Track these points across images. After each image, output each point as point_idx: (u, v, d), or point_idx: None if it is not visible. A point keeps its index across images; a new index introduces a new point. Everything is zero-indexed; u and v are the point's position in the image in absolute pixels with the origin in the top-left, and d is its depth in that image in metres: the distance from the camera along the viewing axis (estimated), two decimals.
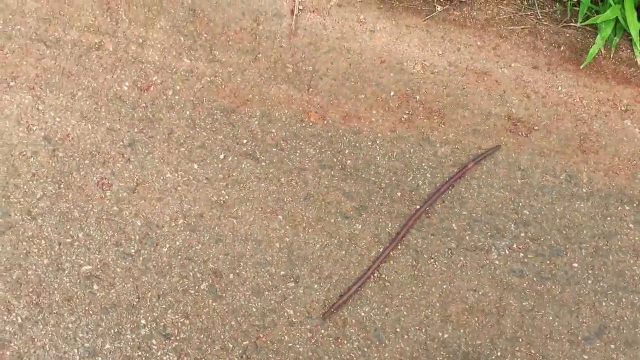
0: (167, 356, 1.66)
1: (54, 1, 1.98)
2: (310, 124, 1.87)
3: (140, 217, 1.79)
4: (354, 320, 1.66)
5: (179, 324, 1.69)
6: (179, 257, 1.75)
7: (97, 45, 1.95)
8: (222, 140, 1.86)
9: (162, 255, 1.75)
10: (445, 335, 1.64)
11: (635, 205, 1.72)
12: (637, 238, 1.69)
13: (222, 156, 1.84)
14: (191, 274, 1.73)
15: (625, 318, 1.62)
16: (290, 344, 1.65)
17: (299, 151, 1.84)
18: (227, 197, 1.80)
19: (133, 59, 1.94)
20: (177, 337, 1.67)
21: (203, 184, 1.82)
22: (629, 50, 1.88)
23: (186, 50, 1.94)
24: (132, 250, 1.75)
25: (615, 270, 1.66)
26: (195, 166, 1.84)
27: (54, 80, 1.92)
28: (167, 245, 1.76)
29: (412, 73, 1.89)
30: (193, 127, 1.87)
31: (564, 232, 1.71)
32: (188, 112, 1.89)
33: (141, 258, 1.75)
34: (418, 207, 1.76)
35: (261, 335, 1.67)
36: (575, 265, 1.67)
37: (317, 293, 1.69)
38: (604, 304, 1.64)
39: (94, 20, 1.98)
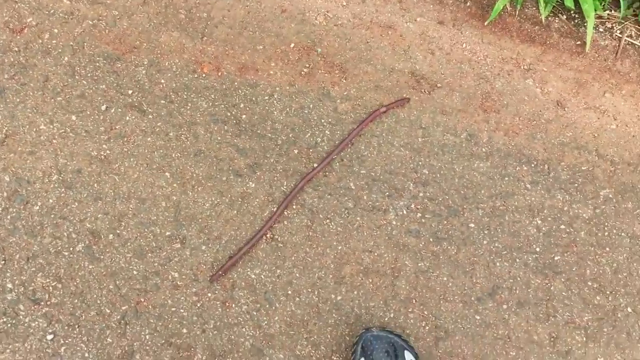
0: (36, 322, 1.52)
1: None
2: (204, 75, 1.75)
3: (8, 171, 1.62)
4: (243, 283, 1.58)
5: (50, 288, 1.55)
6: (52, 216, 1.61)
7: None
8: (104, 90, 1.71)
9: (33, 214, 1.60)
10: (339, 298, 1.59)
11: (533, 165, 1.71)
12: (533, 199, 1.68)
13: (104, 107, 1.70)
14: (65, 234, 1.59)
15: (519, 278, 1.62)
16: (173, 309, 1.56)
17: (190, 104, 1.72)
18: (108, 151, 1.67)
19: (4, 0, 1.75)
20: (48, 302, 1.54)
21: (82, 137, 1.67)
22: (534, 8, 1.86)
23: None
24: None
25: (511, 231, 1.66)
26: (74, 117, 1.69)
27: None
28: (39, 204, 1.61)
29: (314, 24, 1.80)
30: (72, 75, 1.71)
31: (462, 192, 1.68)
32: (66, 59, 1.72)
33: (9, 217, 1.59)
34: (315, 165, 1.68)
35: (142, 300, 1.56)
36: (472, 225, 1.65)
37: (205, 255, 1.60)
38: (498, 264, 1.63)
39: None
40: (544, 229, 1.66)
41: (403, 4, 1.82)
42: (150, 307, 1.56)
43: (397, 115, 1.74)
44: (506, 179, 1.70)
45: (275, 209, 1.64)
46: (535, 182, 1.70)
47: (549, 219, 1.67)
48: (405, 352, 1.46)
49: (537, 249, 1.65)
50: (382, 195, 1.67)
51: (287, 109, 1.74)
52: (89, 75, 1.72)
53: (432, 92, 1.77)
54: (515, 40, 1.83)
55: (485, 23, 1.81)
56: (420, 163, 1.71)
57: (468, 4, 1.84)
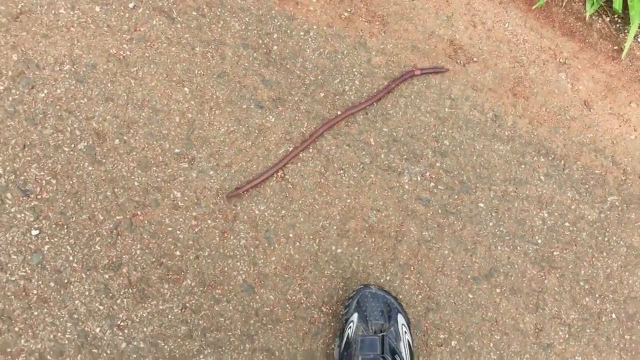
0: (23, 214, 1.44)
1: None
2: None
3: (18, 50, 1.52)
4: (245, 217, 1.54)
5: (44, 182, 1.47)
6: (58, 107, 1.51)
7: None
8: None
9: (37, 101, 1.50)
10: (339, 250, 1.57)
11: (550, 158, 1.72)
12: (544, 191, 1.70)
13: (131, 5, 1.60)
14: (69, 129, 1.51)
15: (516, 266, 1.64)
16: (170, 228, 1.50)
17: (222, 22, 1.64)
18: (128, 52, 1.58)
19: None
20: (38, 197, 1.46)
21: (103, 32, 1.57)
22: (580, 3, 1.86)
23: None
24: (0, 87, 1.49)
25: (518, 218, 1.67)
26: (97, 9, 1.59)
27: None
28: (46, 91, 1.52)
29: None
30: None
31: (477, 170, 1.68)
32: None
33: (10, 99, 1.49)
34: (339, 112, 1.64)
35: (139, 213, 1.50)
36: (481, 205, 1.66)
37: (212, 180, 1.55)
38: (499, 248, 1.65)
39: None
40: (549, 222, 1.68)
41: None
42: (146, 222, 1.50)
43: (429, 81, 1.72)
44: (522, 166, 1.71)
45: (291, 148, 1.60)
46: (549, 175, 1.72)
47: (556, 214, 1.69)
48: (399, 315, 1.46)
49: (539, 241, 1.67)
50: (399, 157, 1.65)
51: (321, 50, 1.68)
52: None
53: (466, 65, 1.75)
54: (556, 31, 1.82)
55: (533, 7, 1.79)
56: (442, 133, 1.69)
57: None
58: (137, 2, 1.60)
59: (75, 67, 1.54)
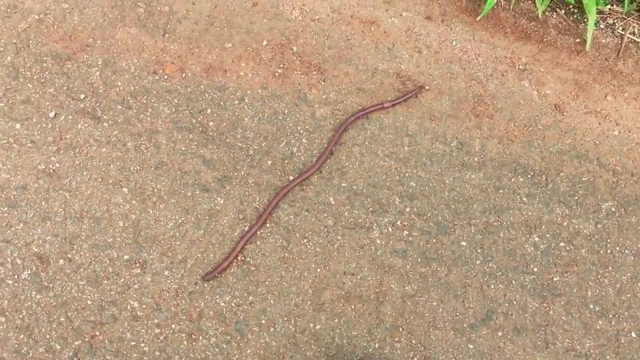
0: None
1: None
2: (165, 77, 1.59)
3: None
4: (211, 312, 1.44)
5: None
6: None
7: None
8: (53, 94, 1.54)
9: None
10: (318, 327, 1.46)
11: (529, 176, 1.59)
12: (529, 213, 1.56)
13: (52, 114, 1.53)
14: (9, 260, 1.44)
15: (515, 302, 1.51)
16: (133, 342, 1.41)
17: (150, 110, 1.56)
18: (58, 165, 1.50)
19: None
20: None
21: (27, 149, 1.51)
22: (529, 2, 1.73)
23: None
24: None
25: (506, 249, 1.54)
26: (18, 126, 1.52)
27: None
28: None
29: (289, 20, 1.64)
30: (16, 77, 1.54)
31: (452, 206, 1.56)
32: (9, 59, 1.55)
33: None
34: (291, 178, 1.54)
35: (97, 333, 1.41)
36: (464, 243, 1.53)
37: (169, 281, 1.46)
38: (492, 286, 1.51)
39: None
40: (541, 246, 1.55)
41: None
42: (106, 341, 1.41)
43: (381, 122, 1.60)
44: (500, 191, 1.58)
45: (247, 228, 1.50)
46: (532, 195, 1.58)
47: (547, 235, 1.55)
48: None
49: (535, 269, 1.53)
50: (365, 211, 1.54)
51: (260, 115, 1.59)
52: (35, 77, 1.54)
53: (419, 96, 1.63)
54: (509, 37, 1.69)
55: (478, 18, 1.67)
56: (407, 175, 1.57)
57: None
58: (57, 110, 1.53)
59: (5, 192, 1.47)
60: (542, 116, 1.64)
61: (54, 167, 1.50)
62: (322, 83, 1.62)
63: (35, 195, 1.48)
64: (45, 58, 1.56)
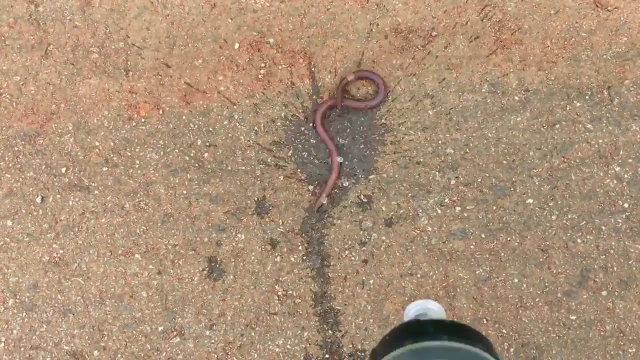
0: None
1: None
2: (142, 120, 1.41)
3: None
4: None
5: None
6: (22, 349, 1.34)
7: None
8: (34, 177, 1.41)
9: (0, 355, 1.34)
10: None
11: (587, 97, 1.31)
12: (600, 140, 1.29)
13: (39, 199, 1.40)
14: None
15: (612, 251, 1.25)
16: None
17: (138, 161, 1.40)
18: (61, 251, 1.37)
19: None
20: None
21: (26, 244, 1.39)
22: None
23: None
24: None
25: (584, 192, 1.27)
26: (9, 222, 1.40)
27: None
28: (3, 339, 1.35)
29: (255, 10, 1.42)
30: None
31: (504, 162, 1.30)
32: None
33: None
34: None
35: None
36: (530, 201, 1.28)
37: (212, 341, 1.30)
38: (579, 240, 1.26)
39: None
40: (626, 176, 1.27)
41: None
42: None
43: (393, 92, 1.36)
44: (557, 126, 1.31)
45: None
46: (596, 119, 1.30)
47: (630, 160, 1.27)
48: None
49: (625, 205, 1.26)
50: (403, 198, 1.32)
51: (255, 128, 1.39)
52: (10, 165, 1.41)
53: (427, 45, 1.37)
54: None
55: None
56: (440, 142, 1.33)
57: None
58: (43, 193, 1.40)
59: (18, 297, 1.36)
60: (583, 20, 1.34)
61: (58, 255, 1.37)
62: (314, 69, 1.40)
63: (48, 290, 1.36)
64: (14, 141, 1.42)
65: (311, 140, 1.37)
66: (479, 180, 1.31)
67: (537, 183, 1.29)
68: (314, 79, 1.39)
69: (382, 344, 0.64)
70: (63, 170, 1.41)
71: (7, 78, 1.45)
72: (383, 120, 1.36)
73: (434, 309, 0.75)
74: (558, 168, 1.29)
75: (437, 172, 1.32)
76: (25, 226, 1.40)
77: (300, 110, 1.39)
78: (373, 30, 1.40)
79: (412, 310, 0.76)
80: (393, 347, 0.60)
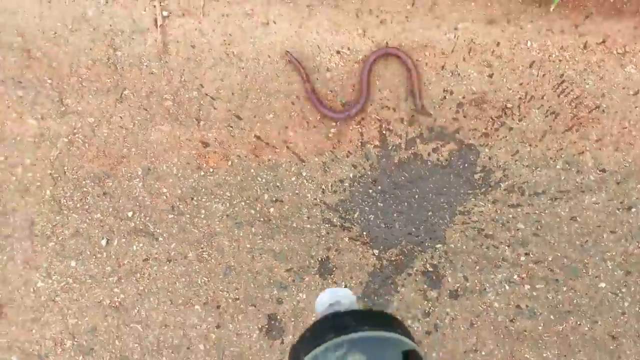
0: None
1: None
2: (211, 170, 1.42)
3: (14, 350, 1.37)
4: None
5: None
6: None
7: None
8: (100, 219, 1.42)
9: None
10: None
11: None
12: None
13: (104, 242, 1.41)
14: None
15: None
16: None
17: (203, 211, 1.40)
18: (122, 295, 1.38)
19: None
20: None
21: (88, 286, 1.39)
22: None
23: (29, 108, 1.48)
24: None
25: None
26: (73, 263, 1.41)
27: None
28: None
29: (329, 69, 1.43)
30: (59, 211, 1.43)
31: (576, 242, 1.28)
32: (48, 192, 1.45)
33: None
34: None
35: None
36: (603, 285, 1.25)
37: None
38: None
39: None
40: None
41: (434, 10, 1.42)
42: None
43: (464, 157, 1.35)
44: (633, 210, 1.28)
45: None
46: None
47: None
48: None
49: None
50: (471, 271, 1.30)
51: (323, 187, 1.38)
52: (78, 206, 1.43)
53: (502, 117, 1.36)
54: (596, 18, 1.39)
55: (552, 8, 1.37)
56: (510, 216, 1.31)
57: None
58: (108, 235, 1.41)
59: (76, 340, 1.36)
60: None
61: (119, 299, 1.38)
62: (385, 132, 1.40)
63: (107, 335, 1.36)
64: (84, 182, 1.44)
65: (378, 204, 1.37)
66: (550, 259, 1.29)
67: (610, 267, 1.26)
68: (385, 142, 1.39)
69: (302, 341, 0.62)
70: (129, 214, 1.42)
71: (81, 119, 1.47)
72: (453, 189, 1.35)
73: (345, 296, 0.73)
74: (633, 253, 1.27)
75: (506, 247, 1.30)
76: (89, 268, 1.41)
77: (369, 172, 1.39)
78: (447, 97, 1.40)
79: (324, 299, 0.73)
80: (315, 343, 0.59)
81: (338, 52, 1.43)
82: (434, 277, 1.31)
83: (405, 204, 1.36)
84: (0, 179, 1.45)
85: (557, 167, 1.33)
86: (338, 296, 0.72)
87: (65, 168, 1.45)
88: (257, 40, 1.44)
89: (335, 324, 0.61)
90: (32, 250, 1.42)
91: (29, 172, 1.45)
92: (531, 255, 1.29)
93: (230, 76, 1.45)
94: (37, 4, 1.45)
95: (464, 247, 1.31)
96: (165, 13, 1.47)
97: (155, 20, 1.47)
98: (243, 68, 1.45)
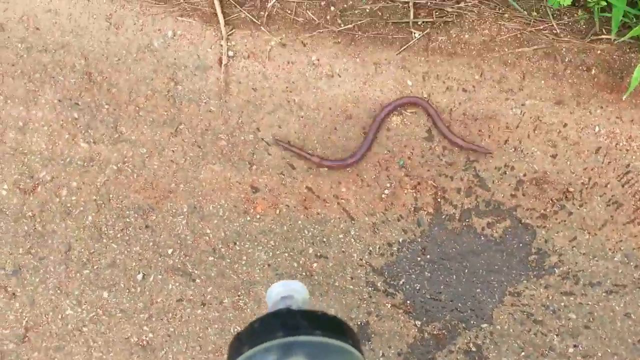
0: None
1: None
2: (258, 216, 1.39)
3: None
4: None
5: None
6: None
7: None
8: (139, 253, 1.39)
9: None
10: None
11: None
12: None
13: (140, 276, 1.38)
14: None
15: None
16: None
17: (244, 257, 1.37)
18: (151, 335, 1.34)
19: (12, 151, 1.47)
20: None
21: (117, 319, 1.35)
22: None
23: (82, 131, 1.47)
24: None
25: None
26: (105, 294, 1.37)
27: None
28: None
29: (389, 129, 1.41)
30: (99, 239, 1.41)
31: (629, 340, 1.22)
32: (90, 218, 1.42)
33: None
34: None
35: None
36: None
37: None
38: None
39: None
40: None
41: (503, 83, 1.40)
42: None
43: (519, 236, 1.31)
44: None
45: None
46: None
47: None
48: None
49: None
50: (515, 356, 1.24)
51: (370, 249, 1.35)
52: (118, 236, 1.40)
53: (562, 200, 1.33)
54: None
55: (624, 97, 1.36)
56: (562, 304, 1.27)
57: (593, 71, 1.39)
58: (145, 270, 1.38)
59: None
60: None
61: (147, 338, 1.33)
62: (440, 200, 1.37)
63: None
64: (127, 212, 1.42)
65: (426, 273, 1.33)
66: (600, 354, 1.23)
67: None
68: (439, 210, 1.36)
69: (249, 331, 0.59)
70: (169, 251, 1.39)
71: (133, 148, 1.46)
72: (505, 268, 1.31)
73: (299, 290, 0.69)
74: None
75: (555, 336, 1.25)
76: (121, 301, 1.37)
77: (419, 239, 1.35)
78: (507, 172, 1.37)
79: (277, 290, 0.70)
80: (263, 337, 0.57)
81: (400, 113, 1.41)
82: (477, 358, 1.26)
83: (454, 277, 1.32)
84: (43, 199, 1.43)
85: (615, 259, 1.28)
86: (292, 289, 0.69)
87: (111, 196, 1.43)
88: (319, 91, 1.43)
89: (286, 322, 0.59)
90: (66, 275, 1.39)
91: (74, 195, 1.43)
92: (580, 348, 1.24)
93: (288, 124, 1.43)
94: (105, 29, 1.46)
95: (511, 330, 1.26)
96: (231, 53, 1.47)
97: (220, 59, 1.47)
98: (302, 117, 1.43)
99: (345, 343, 0.57)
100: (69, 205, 1.43)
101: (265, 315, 0.61)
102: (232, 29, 1.46)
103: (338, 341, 0.56)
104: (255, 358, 0.56)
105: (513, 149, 1.37)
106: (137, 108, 1.47)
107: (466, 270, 1.32)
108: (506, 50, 1.42)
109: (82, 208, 1.43)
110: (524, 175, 1.36)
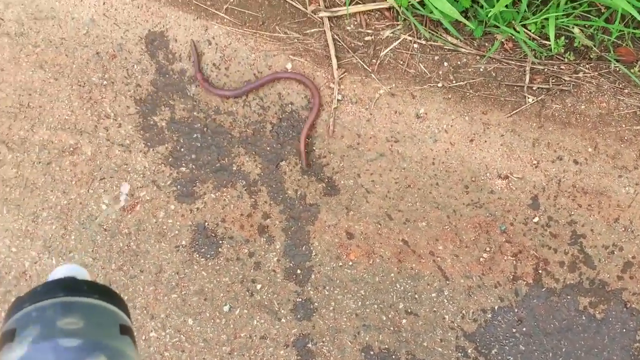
0: None
1: (21, 89, 1.58)
2: (350, 263, 1.38)
3: None
4: None
5: None
6: None
7: (71, 148, 1.54)
8: (228, 284, 1.39)
9: None
10: None
11: None
12: None
13: (226, 308, 1.38)
14: None
15: None
16: None
17: (333, 303, 1.35)
18: None
19: (116, 167, 1.51)
20: None
21: (199, 349, 1.35)
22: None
23: (185, 155, 1.50)
24: None
25: None
26: (190, 321, 1.38)
27: (13, 195, 1.51)
28: None
29: (493, 192, 1.39)
30: (190, 265, 1.42)
31: None
32: (184, 243, 1.44)
33: None
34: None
35: None
36: None
37: None
38: None
39: (70, 114, 1.57)
40: None
41: (617, 160, 1.37)
42: None
43: (623, 321, 1.26)
44: None
45: None
46: None
47: None
48: None
49: None
50: None
51: (463, 312, 1.31)
52: (209, 264, 1.41)
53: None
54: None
55: None
56: None
57: None
58: (232, 302, 1.37)
59: None
60: None
61: None
62: (540, 271, 1.33)
63: None
64: (221, 242, 1.42)
65: (520, 346, 1.28)
66: None
67: None
68: (539, 282, 1.32)
69: (32, 292, 0.63)
70: (258, 287, 1.39)
71: (233, 178, 1.48)
72: (605, 352, 1.25)
73: (82, 275, 0.71)
74: None
75: None
76: (204, 330, 1.37)
77: (516, 310, 1.31)
78: (614, 252, 1.32)
79: (61, 271, 0.71)
80: (45, 296, 0.61)
81: (506, 177, 1.39)
82: None
83: (550, 354, 1.27)
84: (141, 218, 1.46)
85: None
86: (75, 272, 0.72)
87: (206, 223, 1.45)
88: (424, 144, 1.42)
89: (68, 285, 0.64)
90: (154, 297, 1.40)
91: (170, 218, 1.45)
92: None
93: (389, 173, 1.43)
94: (216, 62, 1.49)
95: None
96: (339, 97, 1.48)
97: (330, 102, 1.48)
98: (404, 169, 1.42)
99: (117, 308, 0.63)
100: (164, 227, 1.45)
101: (51, 280, 0.66)
102: (343, 72, 1.47)
103: (112, 305, 0.63)
104: (34, 312, 0.59)
105: (623, 229, 1.33)
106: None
107: (563, 349, 1.27)
108: (623, 126, 1.39)
109: (177, 232, 1.45)
110: (633, 257, 1.31)
